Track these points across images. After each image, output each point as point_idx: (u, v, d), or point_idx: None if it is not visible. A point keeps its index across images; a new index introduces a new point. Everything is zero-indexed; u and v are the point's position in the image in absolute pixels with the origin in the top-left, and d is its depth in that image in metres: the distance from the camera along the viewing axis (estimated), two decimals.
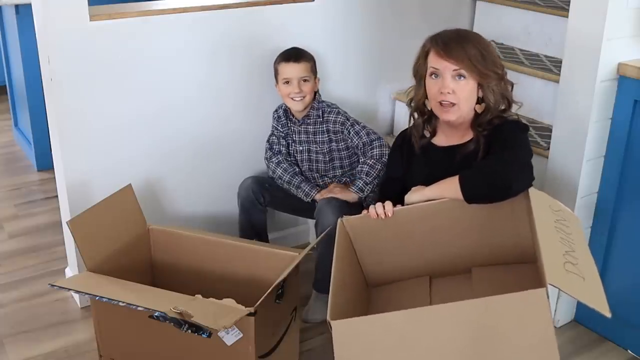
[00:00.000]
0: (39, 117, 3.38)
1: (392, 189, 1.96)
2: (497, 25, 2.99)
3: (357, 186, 2.32)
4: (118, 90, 2.29)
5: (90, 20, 2.17)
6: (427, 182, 1.82)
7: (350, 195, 2.31)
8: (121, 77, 2.28)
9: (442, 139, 1.91)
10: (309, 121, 2.43)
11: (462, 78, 1.76)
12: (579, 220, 1.78)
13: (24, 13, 3.32)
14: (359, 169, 2.37)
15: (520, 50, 2.90)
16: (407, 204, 1.82)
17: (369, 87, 2.87)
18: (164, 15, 2.31)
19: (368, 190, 2.33)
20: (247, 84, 2.55)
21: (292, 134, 2.48)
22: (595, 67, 2.04)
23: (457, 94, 1.77)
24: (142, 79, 2.33)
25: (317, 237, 2.28)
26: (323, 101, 2.45)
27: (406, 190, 1.87)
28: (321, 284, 2.36)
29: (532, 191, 1.68)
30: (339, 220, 1.84)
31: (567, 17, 2.14)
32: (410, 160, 1.96)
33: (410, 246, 1.86)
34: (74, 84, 2.20)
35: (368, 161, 2.35)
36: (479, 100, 1.81)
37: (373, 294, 1.94)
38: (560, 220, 1.63)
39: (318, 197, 2.35)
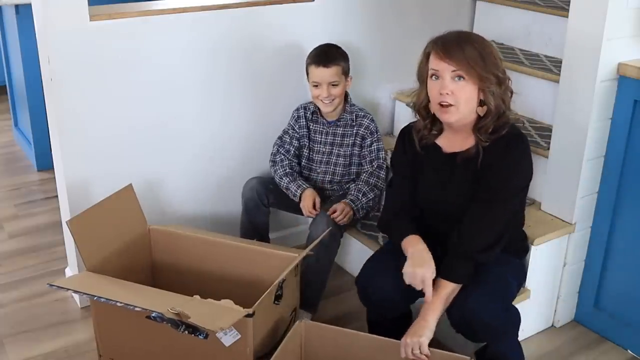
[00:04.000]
0: (39, 117, 3.37)
1: (406, 186, 1.97)
2: (497, 25, 2.99)
3: (351, 200, 2.34)
4: (118, 90, 2.29)
5: (90, 20, 2.16)
6: (438, 189, 1.90)
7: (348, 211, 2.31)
8: (121, 77, 2.28)
9: (446, 143, 1.90)
10: (339, 124, 2.44)
11: (461, 79, 1.75)
12: None
13: (24, 13, 3.32)
14: (359, 187, 2.37)
15: (520, 50, 2.89)
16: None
17: (369, 87, 2.87)
18: (164, 15, 2.31)
19: (359, 205, 2.34)
20: (247, 84, 2.55)
21: (314, 136, 2.48)
22: (595, 67, 2.04)
23: (456, 95, 1.76)
24: (142, 78, 2.33)
25: (306, 246, 2.29)
26: (354, 105, 2.46)
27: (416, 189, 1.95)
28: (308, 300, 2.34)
29: None
30: (297, 321, 1.86)
31: (567, 17, 2.14)
32: (415, 158, 1.95)
33: None
34: (74, 84, 2.20)
35: (365, 186, 2.37)
36: (481, 103, 1.80)
37: None
38: None
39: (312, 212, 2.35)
